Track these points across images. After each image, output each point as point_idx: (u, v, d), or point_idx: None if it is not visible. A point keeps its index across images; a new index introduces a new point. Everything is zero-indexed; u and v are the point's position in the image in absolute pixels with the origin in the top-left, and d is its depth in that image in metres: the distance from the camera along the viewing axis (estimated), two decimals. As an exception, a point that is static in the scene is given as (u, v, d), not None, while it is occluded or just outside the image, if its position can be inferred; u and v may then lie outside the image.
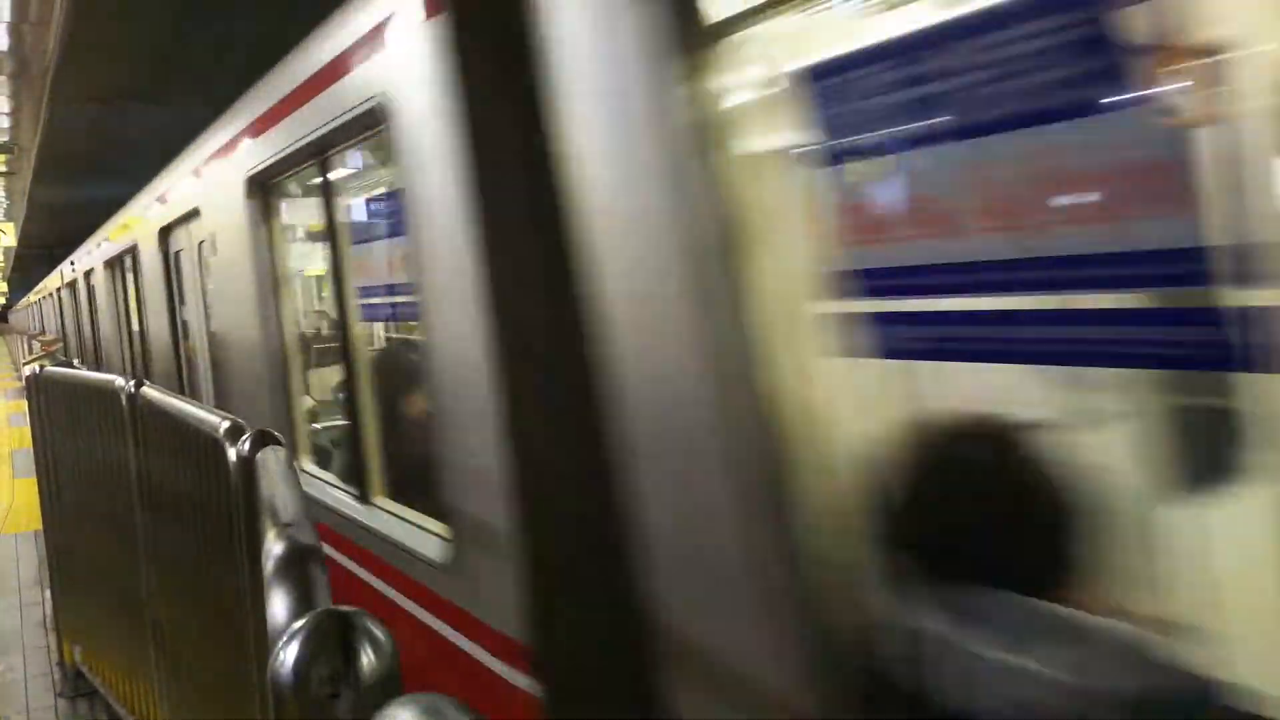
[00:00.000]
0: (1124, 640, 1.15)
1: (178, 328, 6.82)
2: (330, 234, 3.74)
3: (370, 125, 3.07)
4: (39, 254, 34.48)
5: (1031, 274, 1.35)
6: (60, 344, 16.11)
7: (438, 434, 2.71)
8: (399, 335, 4.45)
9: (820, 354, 1.59)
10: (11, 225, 33.18)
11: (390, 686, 0.94)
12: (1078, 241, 1.29)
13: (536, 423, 0.90)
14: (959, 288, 1.44)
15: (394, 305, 3.64)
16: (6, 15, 13.56)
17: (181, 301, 6.72)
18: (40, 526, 4.88)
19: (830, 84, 1.57)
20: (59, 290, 17.33)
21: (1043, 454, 1.26)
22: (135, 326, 8.59)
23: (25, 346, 19.17)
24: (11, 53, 14.96)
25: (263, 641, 1.33)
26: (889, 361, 1.58)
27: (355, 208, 4.05)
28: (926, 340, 1.55)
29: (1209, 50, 1.17)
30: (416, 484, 3.30)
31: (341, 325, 3.70)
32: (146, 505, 3.06)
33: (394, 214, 3.42)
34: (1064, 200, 1.33)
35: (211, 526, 2.30)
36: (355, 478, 3.63)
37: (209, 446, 2.26)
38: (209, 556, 2.36)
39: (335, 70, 3.26)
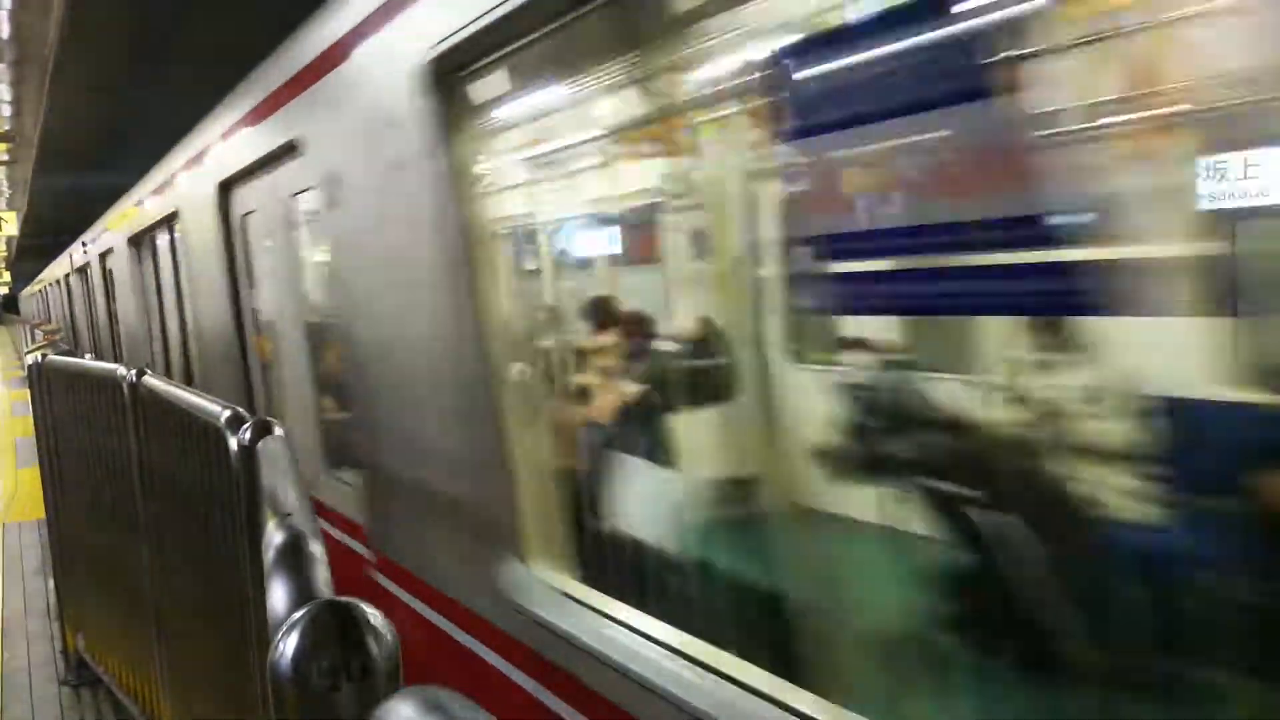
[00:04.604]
0: None
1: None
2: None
3: None
4: (42, 243, 34.50)
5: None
6: (61, 332, 16.11)
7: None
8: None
9: None
10: (13, 214, 33.19)
11: (392, 679, 0.92)
12: None
13: None
14: None
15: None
16: (7, 3, 13.51)
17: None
18: (43, 515, 4.88)
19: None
20: (65, 278, 17.32)
21: None
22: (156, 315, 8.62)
23: (29, 335, 19.17)
24: (12, 41, 14.91)
25: (264, 630, 1.31)
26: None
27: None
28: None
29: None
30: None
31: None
32: (148, 494, 3.05)
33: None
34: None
35: (213, 515, 2.29)
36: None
37: (210, 435, 2.24)
38: (210, 545, 2.34)
39: None
